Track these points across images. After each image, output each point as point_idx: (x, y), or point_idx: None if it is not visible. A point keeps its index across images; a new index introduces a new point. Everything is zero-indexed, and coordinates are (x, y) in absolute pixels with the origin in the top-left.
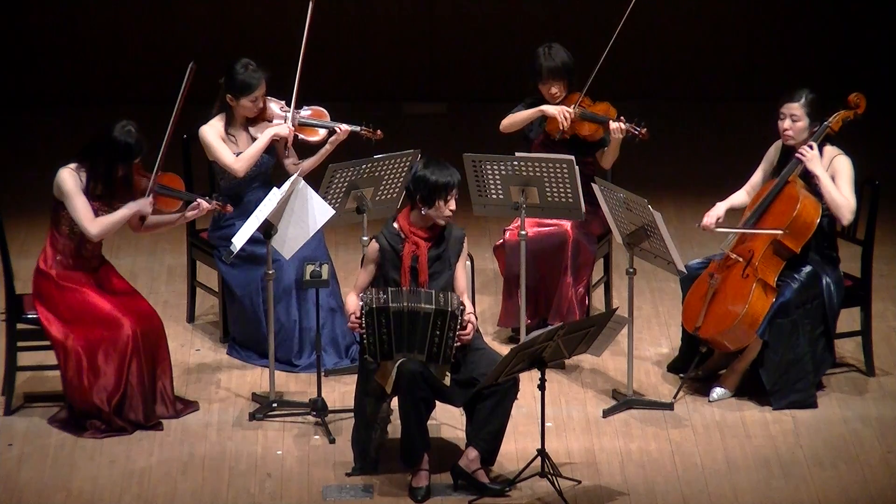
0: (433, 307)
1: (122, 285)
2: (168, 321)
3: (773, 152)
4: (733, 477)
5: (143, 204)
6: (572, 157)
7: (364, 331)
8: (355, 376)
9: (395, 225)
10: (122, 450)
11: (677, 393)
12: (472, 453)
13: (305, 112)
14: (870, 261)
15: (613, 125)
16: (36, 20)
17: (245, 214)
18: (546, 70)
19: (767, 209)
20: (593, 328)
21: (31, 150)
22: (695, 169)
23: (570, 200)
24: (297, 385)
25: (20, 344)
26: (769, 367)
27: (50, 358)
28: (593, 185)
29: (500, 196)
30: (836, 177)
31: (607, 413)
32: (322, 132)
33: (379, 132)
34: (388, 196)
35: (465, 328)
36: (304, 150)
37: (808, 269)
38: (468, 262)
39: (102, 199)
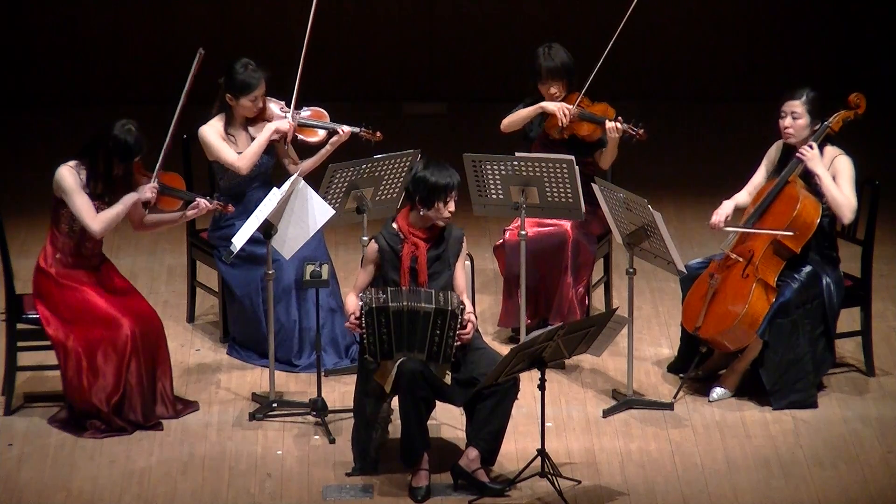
0: (433, 306)
1: (122, 284)
2: (168, 321)
3: (773, 152)
4: (733, 477)
5: (144, 191)
6: (572, 158)
7: (364, 331)
8: (355, 376)
9: (395, 225)
10: (122, 450)
11: (677, 393)
12: (473, 453)
13: (305, 113)
14: (870, 261)
15: (610, 125)
16: (36, 20)
17: (245, 214)
18: (545, 70)
19: (768, 209)
20: (593, 328)
21: (31, 150)
22: (695, 169)
23: (570, 200)
24: (297, 385)
25: (20, 344)
26: (769, 367)
27: (50, 358)
28: (593, 185)
29: (500, 196)
30: (837, 176)
31: (607, 413)
32: (321, 133)
33: (378, 133)
34: (388, 196)
35: (465, 327)
36: (304, 150)
37: (808, 269)
38: (468, 262)
39: (103, 198)
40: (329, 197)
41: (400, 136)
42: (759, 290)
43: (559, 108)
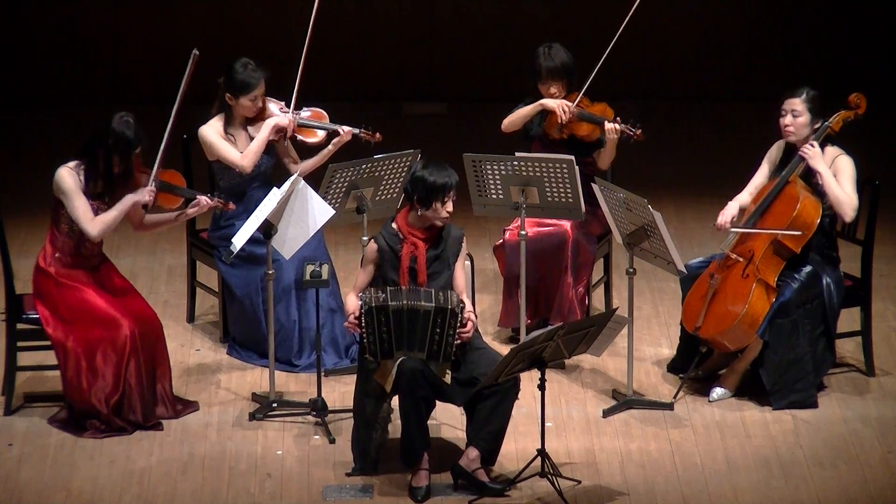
0: (433, 305)
1: (122, 284)
2: (168, 321)
3: (775, 151)
4: (733, 477)
5: (143, 193)
6: (572, 157)
7: (363, 330)
8: (355, 376)
9: (394, 225)
10: (122, 450)
11: (677, 393)
12: (473, 453)
13: (305, 113)
14: (870, 261)
15: (608, 126)
16: (36, 20)
17: (245, 214)
18: (545, 70)
19: (768, 209)
20: (593, 328)
21: (31, 150)
22: (695, 169)
23: (570, 200)
24: (297, 385)
25: (20, 344)
26: (769, 367)
27: (50, 358)
28: (593, 185)
29: (500, 196)
30: (839, 175)
31: (607, 413)
32: (321, 134)
33: (378, 135)
34: (388, 196)
35: (465, 326)
36: (303, 151)
37: (808, 269)
38: (468, 262)
39: (102, 197)
40: (329, 197)
41: (400, 136)
42: (760, 290)
43: (559, 105)
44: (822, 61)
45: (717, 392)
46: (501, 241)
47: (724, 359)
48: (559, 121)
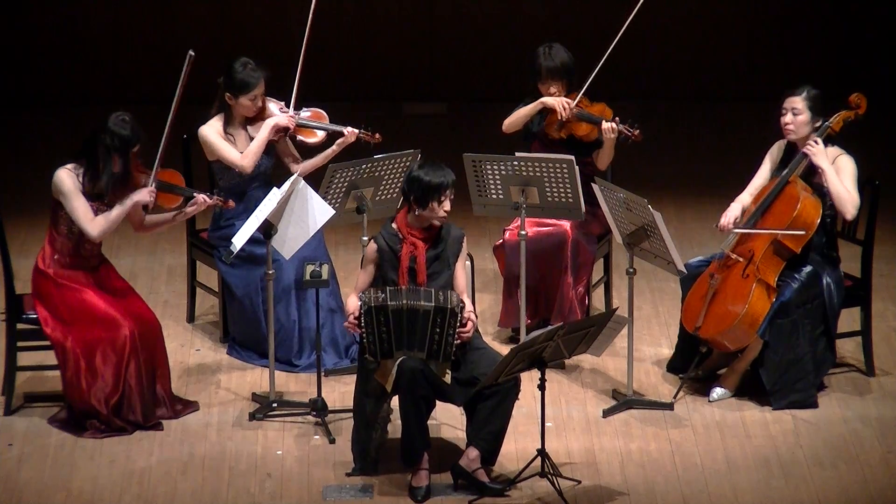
0: (433, 304)
1: (121, 285)
2: (168, 321)
3: (775, 151)
4: (733, 477)
5: (143, 194)
6: (572, 157)
7: (363, 330)
8: (355, 376)
9: (394, 226)
10: (122, 450)
11: (677, 393)
12: (473, 453)
13: (305, 114)
14: (870, 261)
15: (606, 126)
16: (36, 20)
17: (245, 214)
18: (545, 70)
19: (768, 209)
20: (593, 328)
21: (31, 150)
22: (695, 169)
23: (570, 200)
24: (297, 385)
25: (20, 344)
26: (769, 367)
27: (50, 358)
28: (593, 185)
29: (500, 196)
30: (840, 174)
31: (607, 413)
32: (321, 134)
33: (378, 136)
34: (388, 196)
35: (465, 325)
36: (303, 152)
37: (808, 269)
38: (468, 262)
39: (102, 197)
40: (329, 197)
41: (400, 136)
42: (760, 290)
43: (559, 102)
44: (821, 61)
45: (717, 392)
46: (501, 241)
47: (724, 359)
48: (559, 118)
